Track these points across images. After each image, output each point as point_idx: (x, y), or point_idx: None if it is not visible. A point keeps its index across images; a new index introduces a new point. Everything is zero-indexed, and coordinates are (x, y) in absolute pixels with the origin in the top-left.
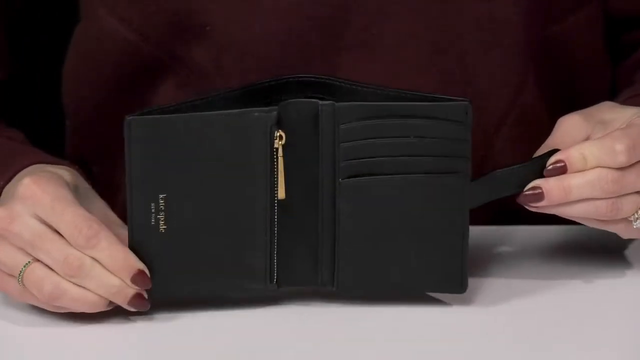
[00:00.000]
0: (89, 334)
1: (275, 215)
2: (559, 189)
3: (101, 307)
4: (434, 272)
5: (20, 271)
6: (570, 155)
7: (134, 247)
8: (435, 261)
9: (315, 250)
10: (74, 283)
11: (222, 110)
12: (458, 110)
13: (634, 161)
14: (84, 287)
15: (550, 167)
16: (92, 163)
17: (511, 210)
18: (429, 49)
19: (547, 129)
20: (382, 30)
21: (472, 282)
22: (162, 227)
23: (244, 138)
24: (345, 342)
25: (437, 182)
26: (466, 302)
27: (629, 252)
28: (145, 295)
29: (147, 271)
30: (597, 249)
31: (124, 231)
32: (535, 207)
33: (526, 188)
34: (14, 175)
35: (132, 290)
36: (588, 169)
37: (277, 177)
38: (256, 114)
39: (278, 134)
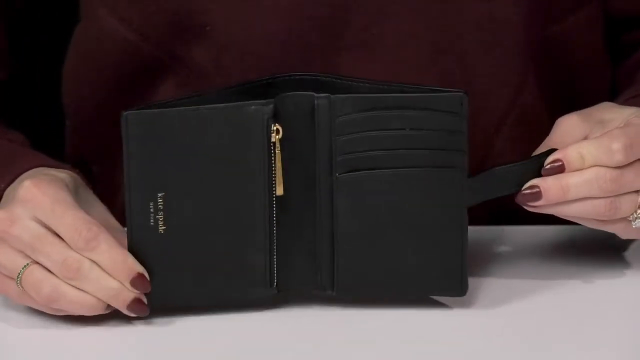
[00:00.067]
0: (88, 336)
1: (273, 212)
2: (557, 187)
3: (99, 310)
4: (434, 271)
5: (19, 273)
6: (568, 154)
7: (133, 248)
8: (435, 260)
9: (314, 249)
10: (72, 286)
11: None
12: (453, 101)
13: (631, 160)
14: (82, 290)
15: (548, 166)
16: (92, 163)
17: (510, 210)
18: (429, 49)
19: (547, 129)
20: (382, 30)
21: (471, 282)
22: (161, 227)
23: (241, 132)
24: (345, 344)
25: (434, 177)
26: (465, 302)
27: (628, 253)
28: (145, 300)
29: (146, 274)
30: (596, 249)
31: (124, 236)
32: (533, 206)
33: (524, 187)
34: (15, 178)
35: (131, 293)
36: (586, 168)
37: (275, 173)
38: (253, 107)
39: (275, 128)
